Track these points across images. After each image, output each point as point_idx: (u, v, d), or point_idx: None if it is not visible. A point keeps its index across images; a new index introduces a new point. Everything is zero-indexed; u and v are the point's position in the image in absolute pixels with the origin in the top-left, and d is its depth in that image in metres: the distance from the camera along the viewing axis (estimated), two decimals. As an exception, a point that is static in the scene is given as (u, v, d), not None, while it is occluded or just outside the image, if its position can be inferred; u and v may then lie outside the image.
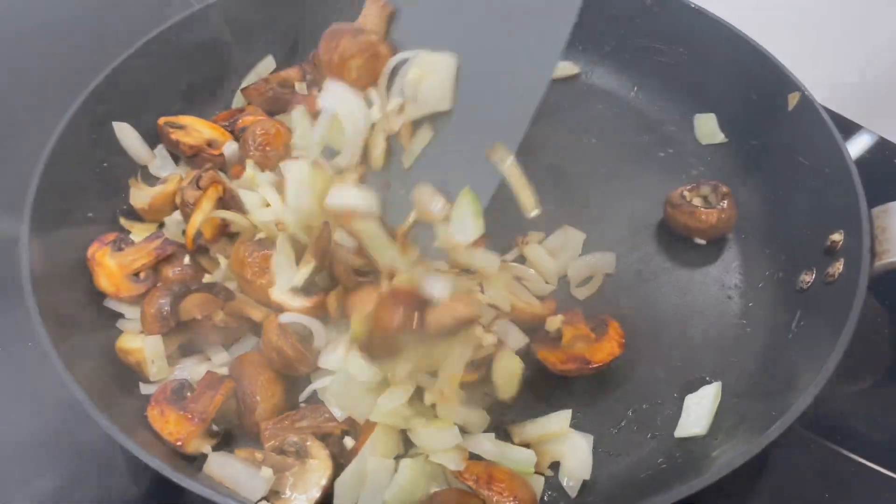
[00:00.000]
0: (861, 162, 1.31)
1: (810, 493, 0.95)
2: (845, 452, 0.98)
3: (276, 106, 1.24)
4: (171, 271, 1.01)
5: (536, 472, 0.90)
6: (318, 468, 0.86)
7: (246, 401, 0.90)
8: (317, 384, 0.94)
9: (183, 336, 0.96)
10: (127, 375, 0.95)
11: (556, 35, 0.85)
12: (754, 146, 1.17)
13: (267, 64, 1.32)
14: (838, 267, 0.96)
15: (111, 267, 0.99)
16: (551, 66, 0.86)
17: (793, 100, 1.12)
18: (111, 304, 1.01)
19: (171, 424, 0.87)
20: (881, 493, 0.96)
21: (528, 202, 0.86)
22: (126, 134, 1.16)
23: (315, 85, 1.28)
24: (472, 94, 0.88)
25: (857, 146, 1.37)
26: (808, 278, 1.01)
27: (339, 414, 0.90)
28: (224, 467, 0.86)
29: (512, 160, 0.85)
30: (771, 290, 1.07)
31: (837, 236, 0.99)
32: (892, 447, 0.99)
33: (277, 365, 0.93)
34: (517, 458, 0.89)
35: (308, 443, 0.88)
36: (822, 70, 1.45)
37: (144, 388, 0.94)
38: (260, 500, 0.83)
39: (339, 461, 0.88)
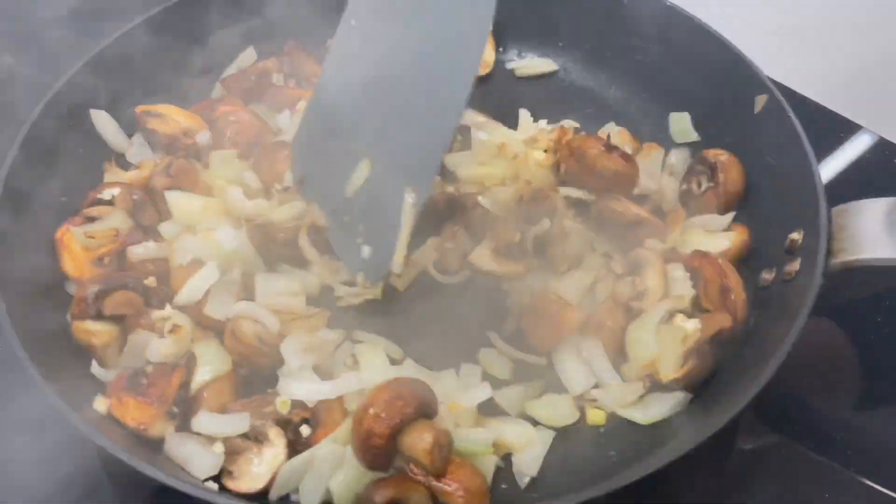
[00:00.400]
0: (861, 162, 1.35)
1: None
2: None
3: (254, 96, 1.27)
4: (135, 258, 1.02)
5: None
6: (273, 455, 0.88)
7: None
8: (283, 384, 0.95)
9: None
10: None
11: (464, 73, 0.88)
12: (726, 144, 1.17)
13: (248, 56, 1.34)
14: (796, 265, 0.96)
15: (76, 250, 1.01)
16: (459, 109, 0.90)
17: (760, 102, 1.12)
18: (71, 289, 1.02)
19: (131, 410, 0.88)
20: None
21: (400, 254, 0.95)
22: (103, 122, 1.18)
23: (292, 76, 1.30)
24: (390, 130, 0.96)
25: (857, 146, 1.37)
26: (767, 276, 1.01)
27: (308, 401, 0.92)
28: (180, 447, 0.88)
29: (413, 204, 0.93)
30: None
31: (797, 235, 0.99)
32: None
33: (241, 363, 0.96)
34: (473, 438, 0.90)
35: (268, 429, 0.89)
36: (822, 71, 1.46)
37: (94, 369, 0.95)
38: (207, 480, 0.84)
39: (296, 448, 0.89)
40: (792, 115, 1.07)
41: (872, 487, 0.98)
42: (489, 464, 0.90)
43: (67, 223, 1.04)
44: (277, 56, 1.31)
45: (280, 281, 1.01)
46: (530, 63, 1.40)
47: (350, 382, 0.93)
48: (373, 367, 0.95)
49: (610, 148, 1.10)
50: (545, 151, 1.17)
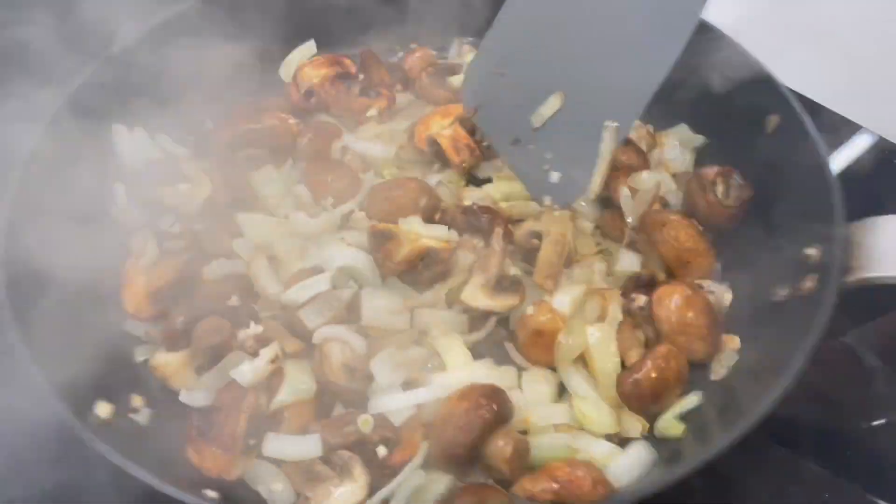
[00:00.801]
0: (861, 162, 1.36)
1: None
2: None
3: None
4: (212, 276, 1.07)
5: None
6: (353, 491, 0.89)
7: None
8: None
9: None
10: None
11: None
12: (742, 158, 1.18)
13: (308, 48, 1.40)
14: (811, 281, 1.00)
15: (138, 285, 1.06)
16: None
17: (772, 122, 1.15)
18: (129, 327, 1.07)
19: (208, 460, 0.90)
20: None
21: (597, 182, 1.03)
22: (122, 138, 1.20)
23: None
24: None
25: (857, 146, 1.39)
26: (782, 292, 1.05)
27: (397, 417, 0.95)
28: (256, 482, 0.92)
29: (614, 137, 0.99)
30: (747, 302, 1.10)
31: (813, 251, 1.02)
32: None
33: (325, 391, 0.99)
34: (549, 444, 0.94)
35: (354, 463, 0.91)
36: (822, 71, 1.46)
37: (183, 396, 0.99)
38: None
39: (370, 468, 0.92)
40: (811, 127, 1.10)
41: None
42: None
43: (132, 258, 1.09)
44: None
45: (384, 298, 1.04)
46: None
47: (440, 387, 0.96)
48: (459, 365, 0.99)
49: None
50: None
